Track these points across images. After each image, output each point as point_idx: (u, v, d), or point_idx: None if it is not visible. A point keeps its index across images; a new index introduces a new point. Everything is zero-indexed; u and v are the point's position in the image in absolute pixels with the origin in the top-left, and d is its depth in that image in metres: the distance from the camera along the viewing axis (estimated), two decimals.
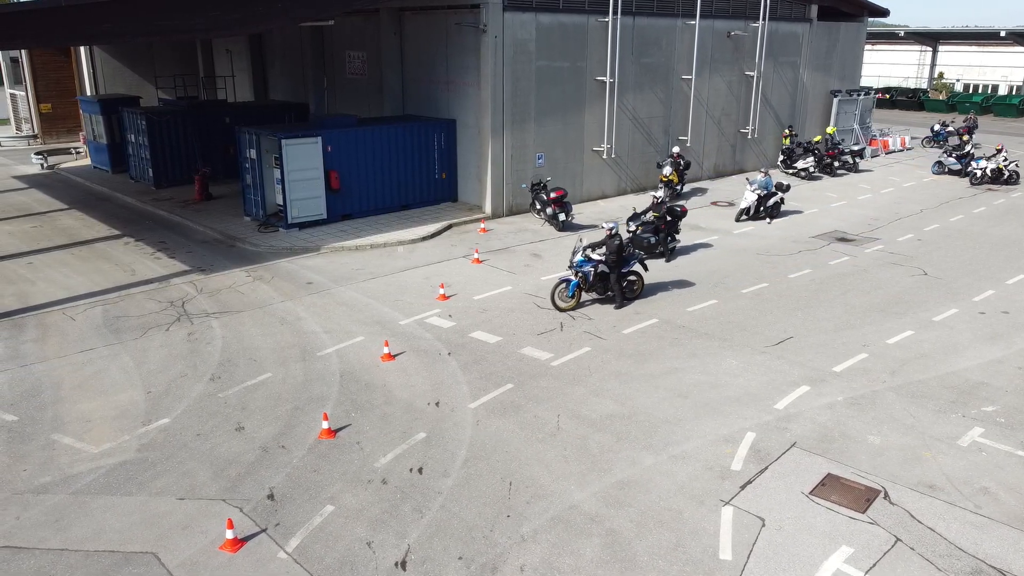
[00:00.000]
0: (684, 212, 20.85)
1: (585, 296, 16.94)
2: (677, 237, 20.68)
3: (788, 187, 25.17)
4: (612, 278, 16.57)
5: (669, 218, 20.32)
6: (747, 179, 25.62)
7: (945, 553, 9.06)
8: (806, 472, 10.67)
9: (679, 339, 15.21)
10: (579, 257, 16.39)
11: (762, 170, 25.36)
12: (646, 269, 17.47)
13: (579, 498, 10.08)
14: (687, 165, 27.20)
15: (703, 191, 28.88)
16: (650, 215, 20.45)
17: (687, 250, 21.31)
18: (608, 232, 16.51)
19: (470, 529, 9.47)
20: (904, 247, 21.90)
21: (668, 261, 20.12)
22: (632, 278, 17.11)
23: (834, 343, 15.05)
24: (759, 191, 24.33)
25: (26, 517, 9.69)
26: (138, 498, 10.08)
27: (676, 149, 27.19)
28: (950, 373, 13.82)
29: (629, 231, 20.16)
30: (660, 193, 20.76)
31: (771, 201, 24.57)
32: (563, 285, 16.51)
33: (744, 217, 24.50)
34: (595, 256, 16.50)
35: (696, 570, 8.78)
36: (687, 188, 28.66)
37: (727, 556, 9.00)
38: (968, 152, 33.04)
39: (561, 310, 16.42)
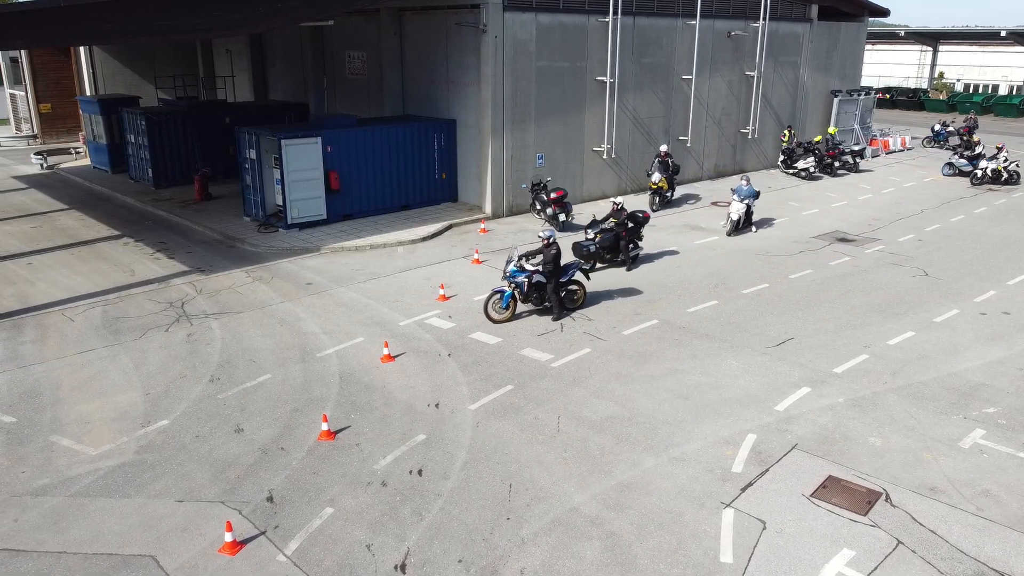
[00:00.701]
0: (646, 218, 19.98)
1: (522, 307, 16.45)
2: (640, 244, 19.96)
3: (758, 193, 24.07)
4: (548, 288, 15.95)
5: (631, 225, 19.50)
6: (732, 190, 23.99)
7: (947, 556, 9.03)
8: (807, 474, 10.64)
9: (679, 340, 15.18)
10: (512, 267, 15.77)
11: (743, 179, 23.96)
12: (588, 278, 17.12)
13: (579, 500, 10.05)
14: (676, 169, 26.23)
15: (697, 197, 28.35)
16: (610, 222, 19.55)
17: (686, 251, 21.28)
18: (545, 241, 15.86)
19: (470, 532, 9.44)
20: (905, 247, 21.86)
21: (629, 270, 19.41)
22: (573, 287, 16.60)
23: (835, 344, 15.03)
24: (747, 200, 23.23)
25: (24, 519, 9.67)
26: (137, 500, 10.05)
27: (664, 148, 26.08)
28: (951, 374, 13.79)
29: (588, 238, 19.37)
30: (620, 199, 19.89)
31: (751, 208, 23.60)
32: (496, 296, 15.86)
33: (731, 230, 23.14)
34: (529, 266, 15.90)
35: (697, 573, 8.75)
36: (680, 193, 27.90)
37: (728, 559, 8.97)
38: (979, 153, 32.97)
39: (495, 322, 15.82)
